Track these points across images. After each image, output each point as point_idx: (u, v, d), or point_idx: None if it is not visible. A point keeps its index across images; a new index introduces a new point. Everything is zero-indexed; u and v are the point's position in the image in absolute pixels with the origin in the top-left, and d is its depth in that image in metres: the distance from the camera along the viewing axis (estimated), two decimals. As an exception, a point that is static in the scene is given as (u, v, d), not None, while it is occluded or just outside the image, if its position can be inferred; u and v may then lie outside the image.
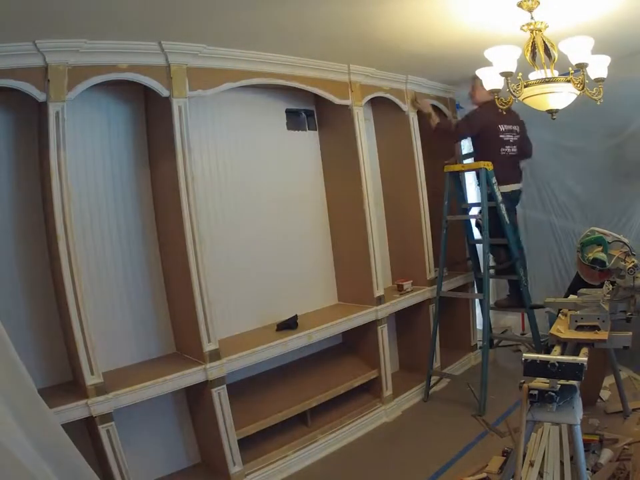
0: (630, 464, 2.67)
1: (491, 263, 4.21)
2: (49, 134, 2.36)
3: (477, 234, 4.32)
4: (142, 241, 3.00)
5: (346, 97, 3.56)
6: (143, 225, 3.01)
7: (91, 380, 2.44)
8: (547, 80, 2.39)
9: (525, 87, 2.40)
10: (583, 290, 2.76)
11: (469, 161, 4.48)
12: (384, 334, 3.76)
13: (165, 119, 2.76)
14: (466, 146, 4.93)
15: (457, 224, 4.33)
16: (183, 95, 2.72)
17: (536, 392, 2.10)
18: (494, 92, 2.48)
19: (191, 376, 2.75)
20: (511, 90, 2.35)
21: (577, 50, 2.27)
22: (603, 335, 2.41)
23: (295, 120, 3.78)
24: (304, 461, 3.23)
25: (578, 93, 2.41)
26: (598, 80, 2.49)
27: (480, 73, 2.51)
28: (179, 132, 2.72)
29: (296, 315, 3.41)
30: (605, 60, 2.47)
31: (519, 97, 2.40)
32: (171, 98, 2.69)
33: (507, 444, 3.11)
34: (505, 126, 4.06)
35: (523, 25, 2.45)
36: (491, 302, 4.40)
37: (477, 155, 4.22)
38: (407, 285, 4.10)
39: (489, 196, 3.90)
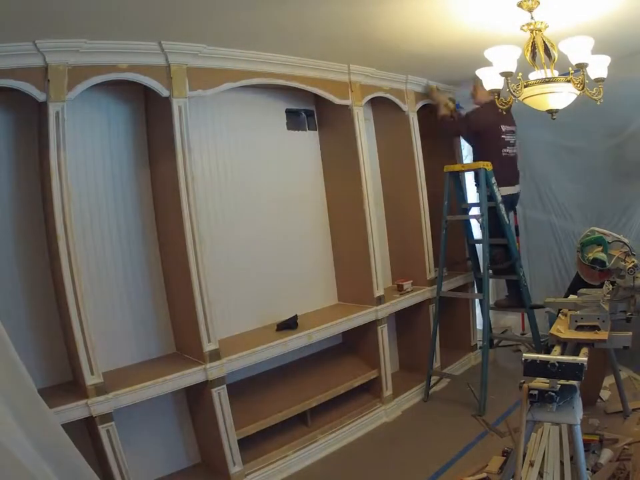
0: (630, 464, 2.67)
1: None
2: (49, 134, 2.36)
3: (477, 234, 4.32)
4: (142, 241, 3.00)
5: (346, 97, 3.56)
6: (143, 225, 3.01)
7: (90, 380, 2.44)
8: (546, 80, 2.39)
9: (525, 86, 2.40)
10: (582, 290, 2.76)
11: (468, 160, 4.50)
12: (384, 334, 3.76)
13: (165, 119, 2.76)
14: (466, 146, 4.95)
15: (457, 224, 4.33)
16: (182, 95, 2.72)
17: (536, 392, 2.10)
18: (494, 92, 2.48)
19: (191, 376, 2.75)
20: (511, 90, 2.35)
21: (576, 50, 2.27)
22: (603, 334, 2.41)
23: (294, 120, 3.78)
24: (304, 460, 3.23)
25: (578, 93, 2.41)
26: (598, 80, 2.49)
27: (480, 73, 2.51)
28: (178, 132, 2.72)
29: (296, 315, 3.41)
30: (605, 60, 2.47)
31: (519, 96, 2.40)
32: (171, 98, 2.69)
33: (507, 444, 3.11)
34: (506, 127, 4.07)
35: (523, 25, 2.45)
36: (491, 302, 4.40)
37: (478, 156, 4.22)
38: (407, 285, 4.10)
39: (488, 196, 3.90)
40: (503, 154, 4.08)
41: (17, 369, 2.00)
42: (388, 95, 3.91)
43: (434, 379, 4.09)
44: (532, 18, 2.40)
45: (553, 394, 2.07)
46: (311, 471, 3.18)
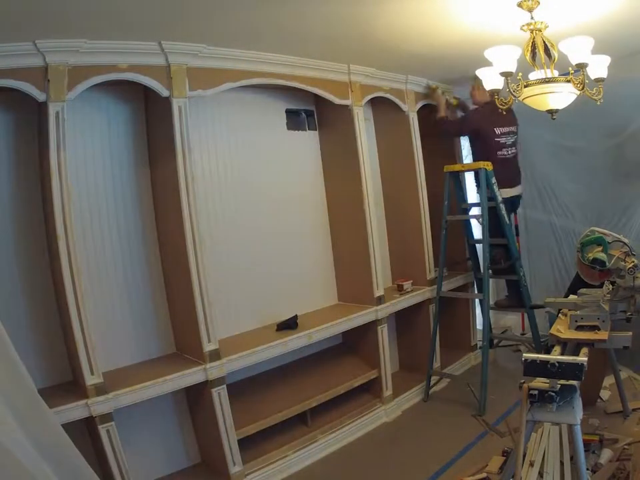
0: (630, 464, 2.67)
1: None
2: (49, 134, 2.36)
3: (478, 234, 4.32)
4: (142, 241, 3.00)
5: (346, 97, 3.56)
6: (143, 225, 3.01)
7: (90, 380, 2.44)
8: (547, 80, 2.39)
9: (525, 86, 2.40)
10: (583, 290, 2.76)
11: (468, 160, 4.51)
12: (384, 334, 3.76)
13: (165, 119, 2.76)
14: (466, 146, 4.95)
15: (457, 224, 4.33)
16: (182, 95, 2.72)
17: (536, 392, 2.10)
18: (494, 92, 2.48)
19: (191, 376, 2.75)
20: (511, 90, 2.35)
21: (577, 50, 2.27)
22: (603, 334, 2.41)
23: (295, 120, 3.78)
24: (304, 460, 3.23)
25: (578, 93, 2.41)
26: (598, 80, 2.49)
27: (480, 73, 2.51)
28: (179, 132, 2.72)
29: (296, 315, 3.41)
30: (605, 60, 2.47)
31: (519, 96, 2.40)
32: (171, 98, 2.69)
33: (507, 444, 3.11)
34: (502, 129, 4.06)
35: (523, 25, 2.45)
36: (491, 302, 4.40)
37: (475, 157, 4.24)
38: (407, 285, 4.10)
39: (488, 196, 3.90)
40: (499, 156, 4.07)
41: (16, 368, 2.00)
42: (388, 95, 3.91)
43: (434, 379, 4.09)
44: (532, 18, 2.40)
45: (553, 394, 2.07)
46: (311, 471, 3.18)
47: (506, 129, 4.09)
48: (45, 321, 2.64)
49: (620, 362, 3.50)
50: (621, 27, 2.96)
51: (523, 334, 5.07)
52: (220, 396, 2.83)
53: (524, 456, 2.55)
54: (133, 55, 2.56)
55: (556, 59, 2.41)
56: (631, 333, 2.45)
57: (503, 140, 4.08)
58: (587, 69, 2.34)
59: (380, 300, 3.73)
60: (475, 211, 4.28)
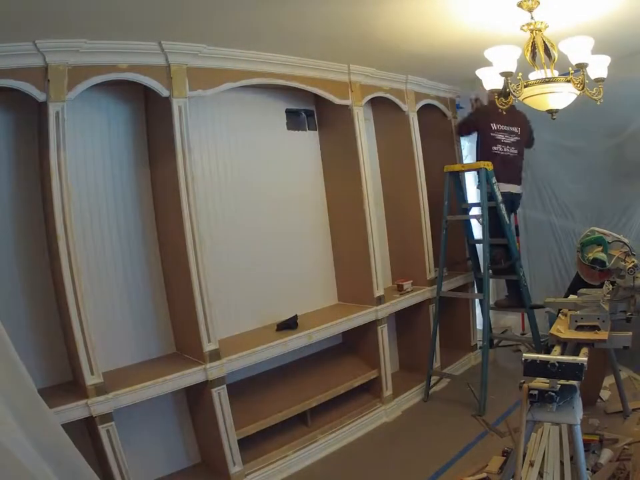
0: (630, 464, 2.67)
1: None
2: (49, 134, 2.37)
3: (478, 234, 4.33)
4: (142, 241, 3.00)
5: (346, 97, 3.56)
6: (143, 225, 3.01)
7: (90, 380, 2.44)
8: (546, 80, 2.39)
9: (525, 86, 2.40)
10: (583, 290, 2.76)
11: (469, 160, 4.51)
12: (384, 334, 3.76)
13: (165, 119, 2.76)
14: (466, 146, 4.95)
15: (457, 224, 4.33)
16: (182, 95, 2.72)
17: (536, 392, 2.10)
18: (494, 92, 2.48)
19: (191, 376, 2.75)
20: (511, 90, 2.35)
21: (577, 50, 2.27)
22: (603, 334, 2.41)
23: (295, 120, 3.78)
24: (304, 460, 3.23)
25: (578, 93, 2.41)
26: (598, 80, 2.49)
27: (480, 73, 2.51)
28: (179, 132, 2.72)
29: (296, 315, 3.41)
30: (605, 60, 2.47)
31: (519, 96, 2.40)
32: (171, 98, 2.69)
33: (507, 444, 3.11)
34: (500, 125, 4.09)
35: (523, 25, 2.45)
36: (491, 302, 4.40)
37: (476, 153, 4.30)
38: (407, 285, 4.10)
39: (488, 196, 3.90)
40: (493, 151, 4.10)
41: (17, 368, 2.00)
42: (388, 95, 3.91)
43: (434, 379, 4.10)
44: (532, 18, 2.40)
45: (553, 394, 2.07)
46: (311, 471, 3.18)
47: (505, 127, 4.11)
48: (45, 320, 2.64)
49: (620, 362, 3.50)
50: (621, 27, 2.96)
51: (523, 334, 5.07)
52: (220, 396, 2.83)
53: (524, 456, 2.55)
54: (133, 54, 2.56)
55: (556, 58, 2.41)
56: (630, 333, 2.45)
57: (499, 136, 4.10)
58: (586, 69, 2.34)
59: (380, 300, 3.73)
60: (474, 211, 4.29)
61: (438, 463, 3.04)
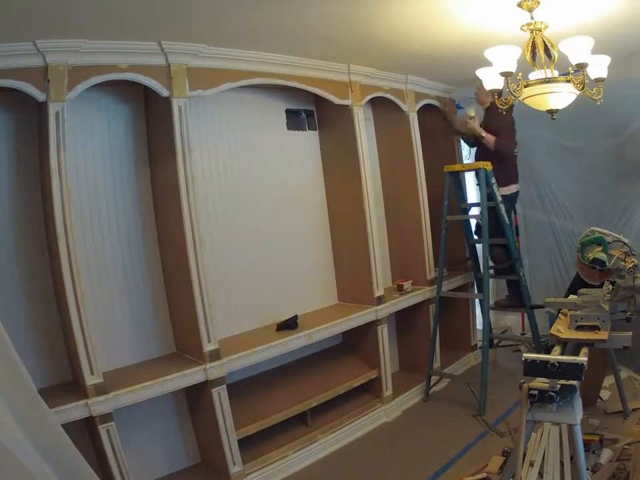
0: (630, 464, 2.67)
1: (490, 264, 4.22)
2: (49, 134, 2.37)
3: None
4: (142, 241, 3.00)
5: (346, 97, 3.56)
6: (143, 225, 3.01)
7: (90, 380, 2.44)
8: (547, 80, 2.39)
9: (525, 86, 2.40)
10: (583, 290, 2.76)
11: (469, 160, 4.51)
12: (384, 334, 3.76)
13: (165, 119, 2.76)
14: (466, 146, 4.95)
15: (457, 224, 4.33)
16: (182, 95, 2.72)
17: (536, 392, 2.10)
18: (494, 92, 2.48)
19: (191, 376, 2.75)
20: (511, 90, 2.35)
21: (577, 50, 2.27)
22: (603, 334, 2.41)
23: (295, 120, 3.78)
24: (304, 460, 3.23)
25: (578, 93, 2.41)
26: (598, 80, 2.49)
27: (480, 73, 2.51)
28: (179, 132, 2.72)
29: (296, 315, 3.41)
30: (605, 60, 2.47)
31: (519, 97, 2.40)
32: (171, 98, 2.69)
33: (507, 444, 3.11)
34: (515, 127, 4.10)
35: (523, 25, 2.45)
36: (491, 302, 4.40)
37: (487, 157, 4.07)
38: (407, 285, 4.10)
39: (488, 196, 3.91)
40: (515, 154, 4.14)
41: (17, 368, 2.00)
42: (388, 95, 3.91)
43: (434, 379, 4.10)
44: (532, 18, 2.40)
45: (553, 394, 2.07)
46: (311, 471, 3.18)
47: (515, 127, 4.13)
48: (45, 320, 2.64)
49: (620, 362, 3.50)
50: (621, 27, 2.95)
51: (523, 334, 5.07)
52: (220, 396, 2.83)
53: (524, 456, 2.55)
54: (133, 54, 2.56)
55: (556, 59, 2.41)
56: (630, 333, 2.45)
57: (517, 138, 4.14)
58: (587, 69, 2.34)
59: (380, 300, 3.73)
60: (474, 210, 4.29)
61: (438, 463, 3.04)
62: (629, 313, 2.47)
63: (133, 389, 2.55)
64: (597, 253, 2.50)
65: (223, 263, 3.24)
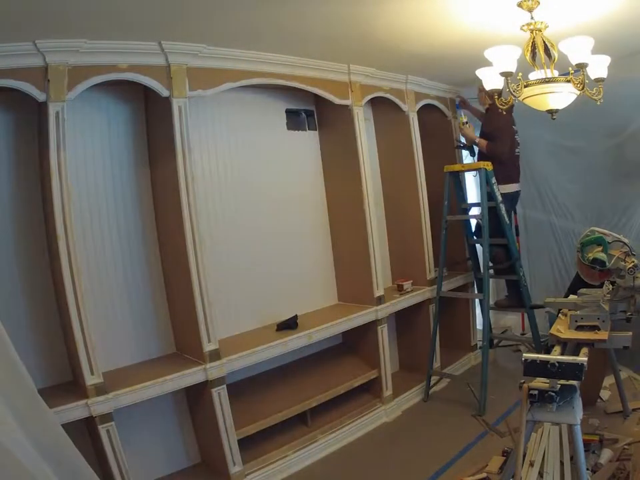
0: (630, 464, 2.67)
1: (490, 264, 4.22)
2: (49, 134, 2.36)
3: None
4: (142, 241, 3.00)
5: (346, 97, 3.56)
6: (143, 225, 3.01)
7: (90, 380, 2.44)
8: (547, 80, 2.39)
9: (525, 86, 2.40)
10: (583, 290, 2.76)
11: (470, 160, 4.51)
12: (384, 334, 3.76)
13: (165, 119, 2.76)
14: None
15: (457, 224, 4.33)
16: (182, 95, 2.72)
17: (536, 392, 2.10)
18: (494, 92, 2.48)
19: (191, 376, 2.75)
20: (511, 90, 2.35)
21: (577, 50, 2.27)
22: (603, 334, 2.41)
23: (295, 120, 3.78)
24: (304, 460, 3.23)
25: (578, 93, 2.41)
26: (598, 80, 2.49)
27: (480, 72, 2.51)
28: (179, 132, 2.72)
29: (296, 315, 3.41)
30: (605, 60, 2.47)
31: (519, 96, 2.40)
32: (171, 98, 2.69)
33: (507, 444, 3.11)
34: (514, 127, 4.12)
35: (523, 25, 2.45)
36: (491, 302, 4.40)
37: (488, 157, 4.07)
38: (407, 285, 4.10)
39: (488, 196, 3.91)
40: (516, 154, 4.14)
41: (17, 368, 2.00)
42: (388, 95, 3.91)
43: (434, 379, 4.10)
44: (532, 18, 2.40)
45: (553, 394, 2.07)
46: (311, 471, 3.18)
47: (515, 127, 4.13)
48: (45, 320, 2.64)
49: (620, 362, 3.51)
50: (621, 27, 2.95)
51: (523, 334, 5.07)
52: (220, 396, 2.83)
53: (524, 456, 2.55)
54: (133, 54, 2.56)
55: (556, 58, 2.41)
56: (630, 333, 2.45)
57: (517, 138, 4.14)
58: (586, 69, 2.34)
59: (380, 300, 3.73)
60: (474, 211, 4.29)
61: (438, 463, 3.04)
62: (629, 313, 2.47)
63: (133, 389, 2.55)
64: (597, 253, 2.50)
65: (223, 263, 3.24)
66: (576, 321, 2.52)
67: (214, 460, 3.01)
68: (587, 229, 2.62)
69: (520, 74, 2.40)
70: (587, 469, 2.50)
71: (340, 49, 3.13)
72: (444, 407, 3.87)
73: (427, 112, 4.34)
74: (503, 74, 2.32)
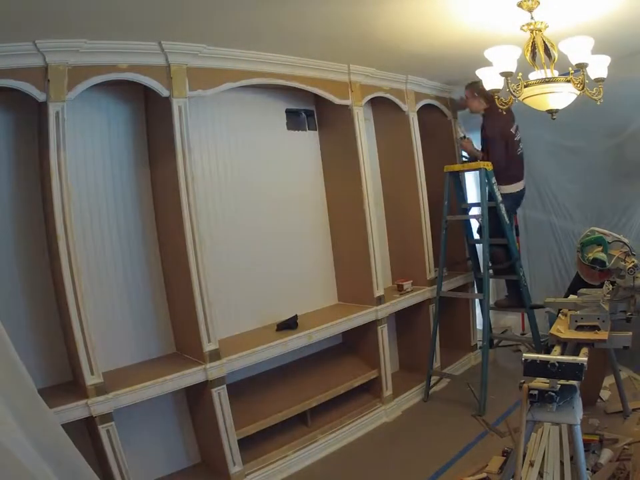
0: (630, 464, 2.67)
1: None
2: (49, 134, 2.36)
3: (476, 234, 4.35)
4: (142, 241, 3.00)
5: (346, 97, 3.56)
6: (143, 225, 3.01)
7: (90, 380, 2.44)
8: (547, 80, 2.39)
9: (525, 86, 2.40)
10: (583, 290, 2.76)
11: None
12: (384, 334, 3.76)
13: (165, 119, 2.76)
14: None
15: (457, 224, 4.33)
16: (182, 95, 2.72)
17: (536, 392, 2.10)
18: (494, 92, 2.48)
19: (191, 376, 2.75)
20: (511, 90, 2.35)
21: (577, 50, 2.27)
22: (603, 334, 2.41)
23: (295, 120, 3.78)
24: (304, 460, 3.23)
25: (578, 93, 2.41)
26: (598, 80, 2.49)
27: (480, 72, 2.51)
28: (179, 132, 2.72)
29: (296, 315, 3.41)
30: (605, 60, 2.47)
31: (519, 96, 2.40)
32: (171, 98, 2.69)
33: (507, 444, 3.11)
34: (514, 127, 4.10)
35: (523, 25, 2.45)
36: (491, 302, 4.40)
37: (493, 158, 4.07)
38: (407, 285, 4.10)
39: (488, 195, 3.91)
40: (518, 152, 4.14)
41: (17, 369, 2.00)
42: (388, 95, 3.91)
43: (434, 378, 4.10)
44: (532, 18, 2.40)
45: (553, 394, 2.07)
46: (311, 471, 3.18)
47: (515, 126, 4.11)
48: (45, 320, 2.64)
49: (620, 362, 3.50)
50: (621, 27, 2.95)
51: (523, 334, 5.07)
52: (220, 396, 2.83)
53: (524, 456, 2.55)
54: (133, 54, 2.56)
55: (556, 58, 2.41)
56: (630, 333, 2.45)
57: (517, 137, 4.13)
58: (587, 69, 2.34)
59: (380, 300, 3.73)
60: (474, 211, 4.29)
61: (438, 462, 3.04)
62: (629, 313, 2.47)
63: (133, 389, 2.55)
64: (597, 253, 2.50)
65: (223, 263, 3.24)
66: (576, 321, 2.52)
67: (214, 460, 3.01)
68: (587, 229, 2.62)
69: (520, 74, 2.40)
70: (587, 469, 2.50)
71: (340, 48, 3.13)
72: (444, 406, 3.87)
73: (427, 112, 4.34)
74: (502, 74, 2.32)
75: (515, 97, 2.39)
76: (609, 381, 3.56)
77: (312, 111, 3.89)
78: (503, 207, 3.95)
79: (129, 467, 2.56)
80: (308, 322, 3.43)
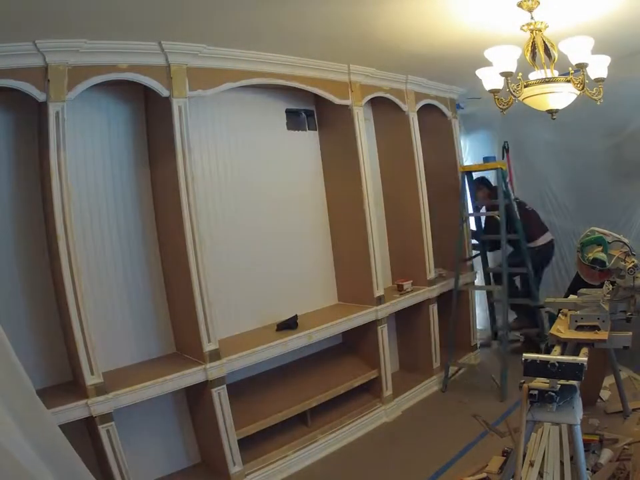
0: (630, 464, 2.67)
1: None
2: (49, 134, 2.37)
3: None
4: (142, 241, 3.00)
5: (346, 97, 3.56)
6: (143, 225, 3.01)
7: (91, 380, 2.44)
8: (547, 80, 2.39)
9: (525, 87, 2.40)
10: (583, 290, 2.76)
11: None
12: (384, 334, 3.76)
13: (165, 119, 2.76)
14: (467, 147, 4.96)
15: (457, 224, 4.35)
16: (182, 95, 2.72)
17: (536, 392, 2.10)
18: (494, 92, 2.48)
19: (191, 376, 2.75)
20: (511, 90, 2.35)
21: (577, 50, 2.27)
22: (603, 334, 2.41)
23: (295, 120, 3.78)
24: (304, 460, 3.23)
25: (578, 93, 2.41)
26: (598, 80, 2.49)
27: (480, 73, 2.51)
28: (179, 132, 2.72)
29: (296, 315, 3.41)
30: (605, 60, 2.47)
31: (519, 96, 2.40)
32: (171, 98, 2.69)
33: (507, 444, 3.11)
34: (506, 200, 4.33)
35: (523, 25, 2.45)
36: (497, 296, 4.57)
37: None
38: (407, 285, 4.10)
39: (503, 194, 4.09)
40: (527, 209, 4.48)
41: (15, 370, 2.00)
42: (388, 95, 3.91)
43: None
44: (532, 18, 2.40)
45: (553, 394, 2.07)
46: (311, 471, 3.18)
47: (510, 194, 4.35)
48: (45, 320, 2.64)
49: (620, 362, 3.50)
50: (621, 27, 2.95)
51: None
52: (220, 396, 2.83)
53: (524, 456, 2.55)
54: (133, 54, 2.56)
55: (556, 58, 2.41)
56: (630, 333, 2.45)
57: (514, 201, 4.35)
58: (587, 69, 2.34)
59: (380, 300, 3.73)
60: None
61: (438, 462, 3.04)
62: (629, 313, 2.47)
63: (133, 389, 2.55)
64: (597, 253, 2.50)
65: (223, 263, 3.24)
66: (576, 321, 2.52)
67: (214, 460, 3.01)
68: (587, 229, 2.62)
69: (520, 74, 2.40)
70: (587, 469, 2.50)
71: (340, 48, 3.13)
72: (444, 406, 3.87)
73: (427, 112, 4.34)
74: (502, 74, 2.32)
75: (515, 97, 2.39)
76: (608, 381, 3.56)
77: (312, 111, 3.88)
78: (515, 206, 4.20)
79: (129, 466, 2.56)
80: (308, 322, 3.43)
